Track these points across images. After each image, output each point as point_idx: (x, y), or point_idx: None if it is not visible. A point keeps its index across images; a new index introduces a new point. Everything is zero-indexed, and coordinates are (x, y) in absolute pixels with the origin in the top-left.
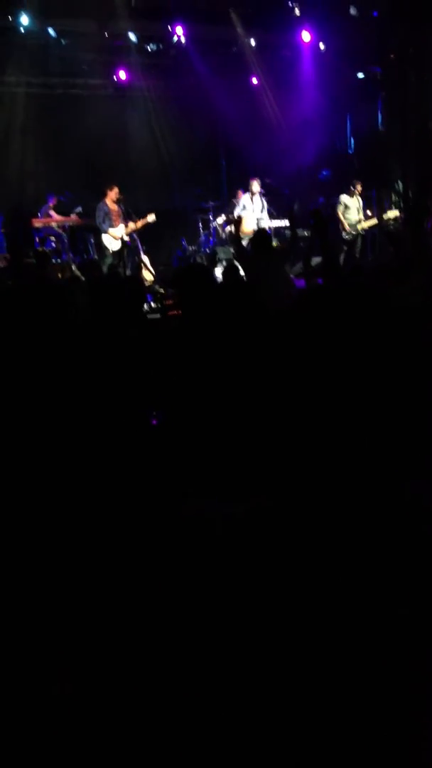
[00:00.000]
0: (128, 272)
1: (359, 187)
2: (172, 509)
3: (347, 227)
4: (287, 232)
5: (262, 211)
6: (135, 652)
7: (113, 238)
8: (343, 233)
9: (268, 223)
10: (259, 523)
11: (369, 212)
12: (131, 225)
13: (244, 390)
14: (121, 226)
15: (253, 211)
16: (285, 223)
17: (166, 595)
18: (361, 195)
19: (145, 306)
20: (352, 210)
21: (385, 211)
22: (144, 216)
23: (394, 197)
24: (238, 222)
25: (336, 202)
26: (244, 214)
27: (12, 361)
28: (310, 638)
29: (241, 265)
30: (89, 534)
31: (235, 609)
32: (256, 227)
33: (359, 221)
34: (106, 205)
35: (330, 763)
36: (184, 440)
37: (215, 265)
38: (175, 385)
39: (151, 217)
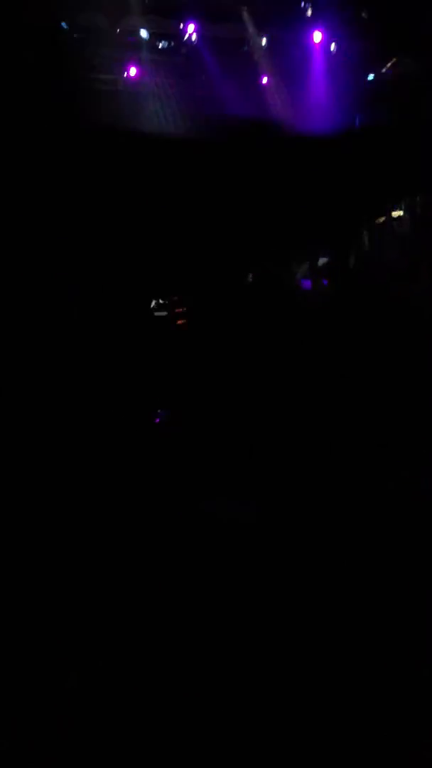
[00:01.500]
0: None
1: None
2: (186, 507)
3: None
4: None
5: None
6: (143, 647)
7: None
8: None
9: None
10: (268, 522)
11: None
12: None
13: (255, 390)
14: None
15: None
16: None
17: (175, 592)
18: None
19: (153, 303)
20: None
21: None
22: None
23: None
24: None
25: None
26: None
27: (18, 352)
28: (314, 636)
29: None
30: (97, 529)
31: (243, 605)
32: None
33: None
34: None
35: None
36: (193, 439)
37: None
38: (185, 383)
39: None
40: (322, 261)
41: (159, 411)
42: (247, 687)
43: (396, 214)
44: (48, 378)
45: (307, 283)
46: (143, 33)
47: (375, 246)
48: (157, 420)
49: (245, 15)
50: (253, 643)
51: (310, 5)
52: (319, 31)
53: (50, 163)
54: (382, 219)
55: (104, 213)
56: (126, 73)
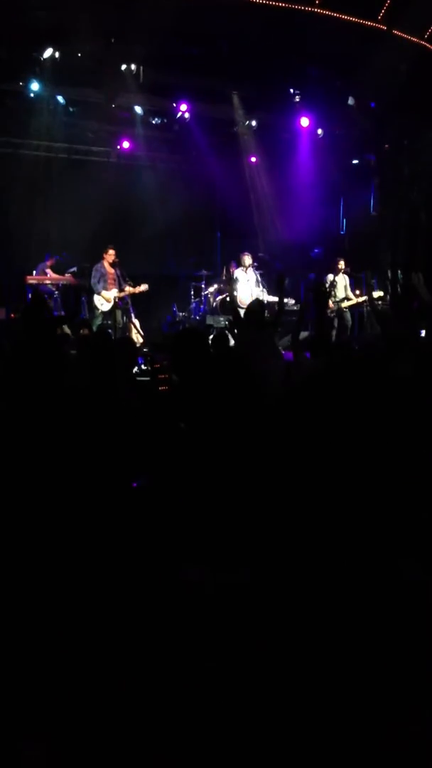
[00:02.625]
0: (118, 334)
1: (341, 264)
2: (166, 576)
3: (331, 305)
4: (276, 306)
5: (257, 285)
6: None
7: (105, 300)
8: (328, 310)
9: (266, 297)
10: (250, 594)
11: (358, 291)
12: (126, 290)
13: (237, 457)
14: (114, 290)
15: (248, 281)
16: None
17: (155, 658)
18: (347, 274)
19: (136, 368)
20: (339, 288)
21: (372, 292)
22: (138, 284)
23: (380, 279)
24: (232, 287)
25: (324, 279)
26: (239, 287)
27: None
28: (303, 706)
29: (233, 334)
30: (78, 592)
31: (226, 678)
32: (250, 299)
33: (344, 299)
34: (104, 267)
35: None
36: (175, 506)
37: (207, 333)
38: (167, 448)
39: (143, 287)
40: (303, 334)
41: (138, 475)
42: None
43: (377, 294)
44: (30, 432)
45: (289, 355)
46: (138, 109)
47: (356, 323)
48: (135, 484)
49: (235, 99)
50: (246, 710)
51: (298, 92)
52: (306, 117)
53: None
54: (363, 298)
55: None
56: (119, 145)
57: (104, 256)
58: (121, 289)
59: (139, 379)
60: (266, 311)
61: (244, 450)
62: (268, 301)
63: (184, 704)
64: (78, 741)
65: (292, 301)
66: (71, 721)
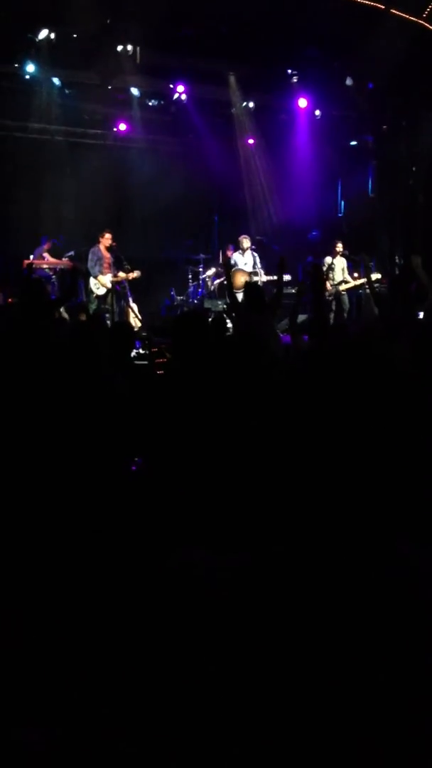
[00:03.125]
0: (115, 317)
1: (339, 247)
2: (159, 560)
3: (329, 287)
4: (274, 288)
5: (254, 267)
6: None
7: (101, 284)
8: (325, 293)
9: (263, 278)
10: (249, 576)
11: (356, 274)
12: (120, 275)
13: (237, 440)
14: (109, 275)
15: (245, 265)
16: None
17: (152, 647)
18: (345, 256)
19: (133, 352)
20: (336, 270)
21: (370, 274)
22: (134, 269)
23: (379, 261)
24: (231, 275)
25: (321, 262)
26: (234, 270)
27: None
28: (299, 695)
29: (231, 317)
30: (73, 582)
31: (223, 664)
32: (245, 281)
33: (342, 282)
34: (100, 251)
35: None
36: (173, 488)
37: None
38: (165, 431)
39: (135, 273)
40: (301, 317)
41: (136, 459)
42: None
43: (374, 276)
44: (25, 417)
45: (287, 338)
46: (134, 91)
47: (353, 306)
48: (134, 468)
49: (232, 80)
50: (241, 699)
51: (296, 73)
52: (304, 98)
53: None
54: (361, 281)
55: None
56: (115, 128)
57: (100, 239)
58: (115, 275)
59: (136, 363)
60: (264, 293)
61: (243, 432)
62: (263, 282)
63: (185, 691)
64: (79, 728)
65: (289, 277)
66: (72, 709)
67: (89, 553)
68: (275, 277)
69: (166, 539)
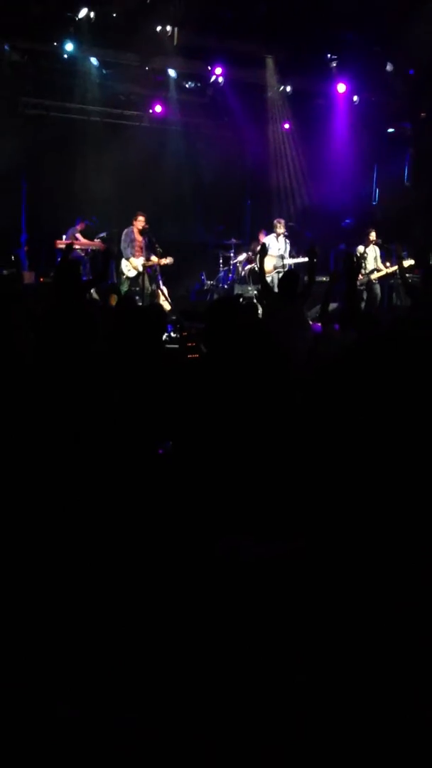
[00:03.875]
0: (146, 300)
1: (372, 235)
2: (204, 548)
3: (360, 276)
4: (305, 277)
5: (285, 250)
6: (154, 689)
7: (132, 267)
8: (357, 282)
9: (288, 260)
10: (294, 565)
11: (388, 264)
12: (153, 259)
13: (267, 428)
14: (141, 258)
15: (278, 250)
16: (305, 259)
17: (194, 634)
18: (378, 245)
19: (165, 336)
20: (369, 259)
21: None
22: (166, 253)
23: (411, 251)
24: (262, 256)
25: (354, 250)
26: (268, 255)
27: (34, 379)
28: (338, 682)
29: (263, 303)
30: (111, 568)
31: (263, 650)
32: (277, 267)
33: (373, 271)
34: (133, 233)
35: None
36: (211, 475)
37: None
38: (199, 416)
39: (168, 260)
40: (332, 306)
41: (164, 443)
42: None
43: (407, 263)
44: (59, 400)
45: (317, 327)
46: (171, 72)
47: (385, 295)
48: (161, 451)
49: (269, 62)
50: (278, 685)
51: (335, 58)
52: (342, 83)
53: None
54: (393, 268)
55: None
56: (152, 109)
57: (134, 222)
58: (147, 258)
59: (168, 346)
60: (299, 281)
61: (272, 422)
62: (290, 265)
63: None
64: (111, 702)
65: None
66: (104, 683)
67: (122, 536)
68: (304, 259)
69: (200, 526)
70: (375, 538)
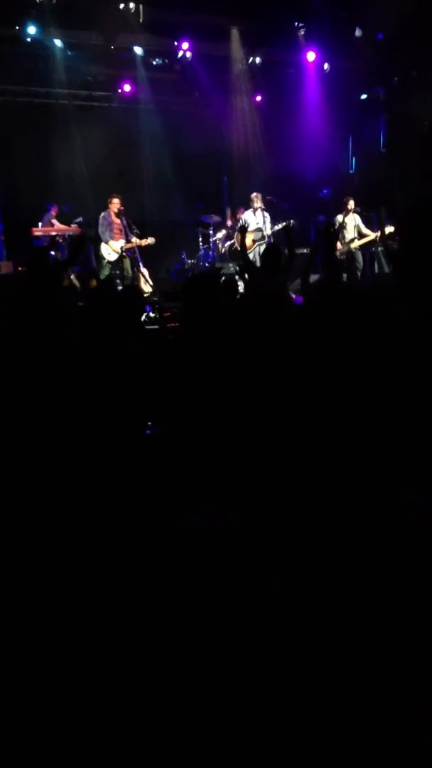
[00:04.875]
0: (127, 282)
1: (351, 204)
2: (169, 518)
3: (340, 246)
4: (285, 249)
5: (264, 224)
6: (133, 659)
7: (112, 250)
8: (337, 252)
9: (268, 232)
10: (254, 531)
11: (369, 231)
12: (132, 241)
13: (243, 401)
14: (121, 240)
15: (257, 224)
16: (281, 225)
17: (164, 603)
18: (358, 213)
19: (144, 317)
20: (348, 229)
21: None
22: (145, 234)
23: (392, 217)
24: (242, 234)
25: (333, 221)
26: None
27: (8, 368)
28: (305, 643)
29: (244, 278)
30: (85, 543)
31: (231, 615)
32: (257, 240)
33: (353, 240)
34: (110, 216)
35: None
36: (181, 449)
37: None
38: (175, 394)
39: (150, 240)
40: (313, 278)
41: (149, 423)
42: (245, 691)
43: (388, 230)
44: (38, 384)
45: (299, 299)
46: (138, 50)
47: (367, 264)
48: (148, 432)
49: (235, 34)
50: (250, 649)
51: (302, 26)
52: (312, 51)
53: None
54: (374, 235)
55: None
56: (120, 89)
57: (109, 205)
58: (128, 240)
59: (147, 327)
60: (281, 255)
61: (250, 390)
62: (269, 235)
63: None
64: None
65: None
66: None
67: (102, 516)
68: (279, 226)
69: (177, 499)
70: (335, 507)
